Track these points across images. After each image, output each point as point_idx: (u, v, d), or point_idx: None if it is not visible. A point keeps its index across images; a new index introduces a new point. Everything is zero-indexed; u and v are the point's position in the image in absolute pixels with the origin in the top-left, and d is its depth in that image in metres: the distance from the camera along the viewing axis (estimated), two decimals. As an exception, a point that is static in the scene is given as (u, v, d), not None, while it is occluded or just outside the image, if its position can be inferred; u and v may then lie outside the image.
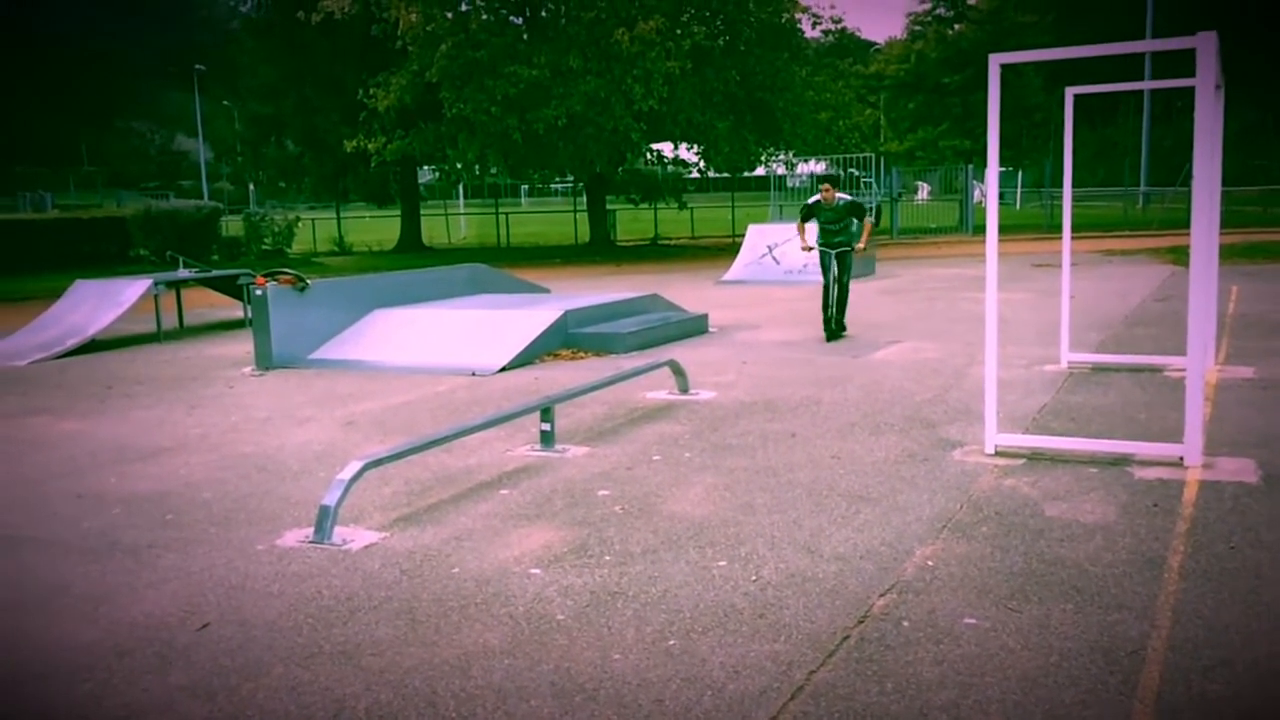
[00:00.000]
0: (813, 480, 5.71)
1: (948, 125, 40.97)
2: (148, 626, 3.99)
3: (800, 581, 4.23)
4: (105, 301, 12.58)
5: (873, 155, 31.97)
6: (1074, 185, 9.18)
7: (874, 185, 31.82)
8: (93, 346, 11.91)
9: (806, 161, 31.22)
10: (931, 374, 8.83)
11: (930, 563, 4.40)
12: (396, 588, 4.31)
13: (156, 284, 12.83)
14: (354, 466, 5.08)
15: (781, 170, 31.79)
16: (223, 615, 4.08)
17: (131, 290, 12.64)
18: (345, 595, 4.24)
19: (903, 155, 41.81)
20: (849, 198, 10.92)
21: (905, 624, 3.79)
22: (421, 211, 36.41)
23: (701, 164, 31.21)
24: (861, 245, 10.73)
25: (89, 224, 28.08)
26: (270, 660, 3.67)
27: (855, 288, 17.34)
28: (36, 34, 18.19)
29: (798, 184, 33.58)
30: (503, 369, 9.66)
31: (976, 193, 34.62)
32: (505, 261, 21.58)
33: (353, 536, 4.95)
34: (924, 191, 40.62)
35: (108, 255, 26.24)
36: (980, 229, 29.77)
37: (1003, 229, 7.12)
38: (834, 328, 10.75)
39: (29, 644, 3.88)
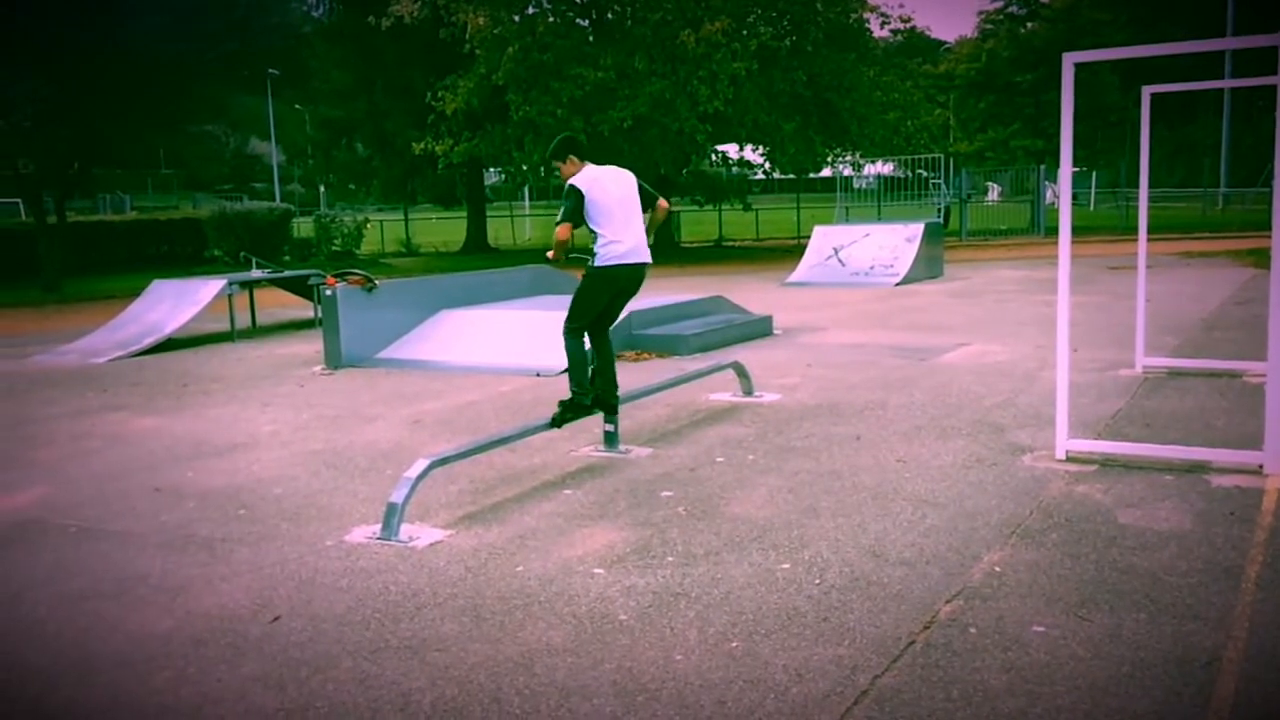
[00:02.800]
0: (878, 484, 5.65)
1: (1019, 125, 40.22)
2: (222, 618, 4.09)
3: (865, 585, 4.20)
4: (182, 301, 12.91)
5: (941, 156, 31.58)
6: (1151, 186, 8.98)
7: (943, 186, 31.43)
8: (169, 345, 12.22)
9: (874, 162, 30.94)
10: (1001, 377, 8.70)
11: (998, 569, 4.33)
12: (461, 585, 4.36)
13: (231, 284, 13.12)
14: (421, 465, 5.15)
15: (848, 171, 31.54)
16: (293, 608, 4.17)
17: (207, 290, 12.95)
18: (411, 591, 4.30)
19: (972, 156, 41.15)
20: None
21: (972, 630, 3.74)
22: (487, 213, 36.80)
23: (767, 165, 31.11)
24: (550, 255, 6.83)
25: (166, 225, 28.84)
26: (339, 653, 3.73)
27: (924, 289, 17.21)
28: (114, 40, 18.72)
29: (864, 185, 33.29)
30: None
31: (1049, 194, 33.99)
32: (569, 263, 21.73)
33: (419, 533, 5.02)
34: (995, 192, 39.99)
35: (184, 256, 26.92)
36: (1052, 231, 29.23)
37: (1076, 230, 7.00)
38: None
39: (109, 632, 4.00)
